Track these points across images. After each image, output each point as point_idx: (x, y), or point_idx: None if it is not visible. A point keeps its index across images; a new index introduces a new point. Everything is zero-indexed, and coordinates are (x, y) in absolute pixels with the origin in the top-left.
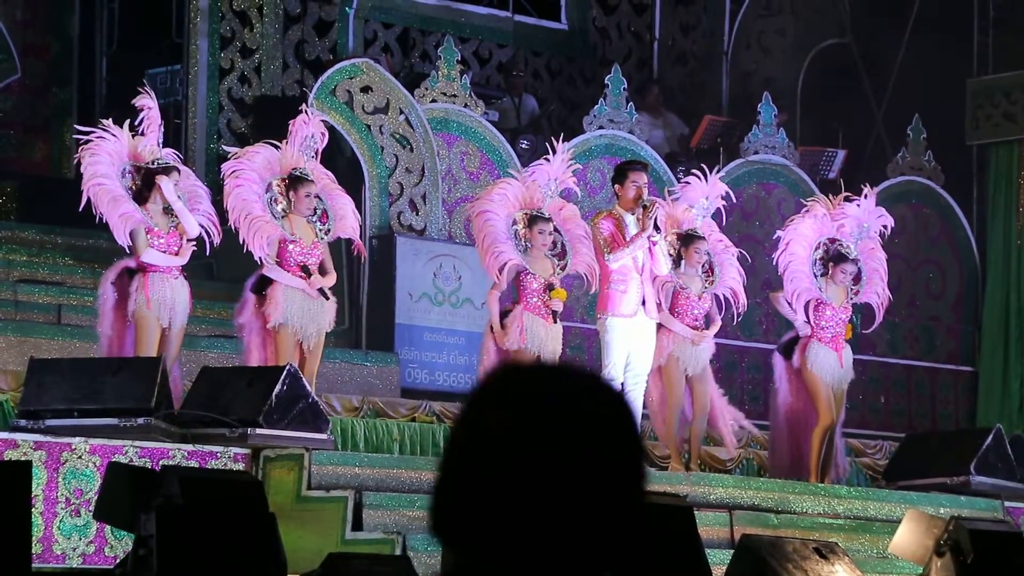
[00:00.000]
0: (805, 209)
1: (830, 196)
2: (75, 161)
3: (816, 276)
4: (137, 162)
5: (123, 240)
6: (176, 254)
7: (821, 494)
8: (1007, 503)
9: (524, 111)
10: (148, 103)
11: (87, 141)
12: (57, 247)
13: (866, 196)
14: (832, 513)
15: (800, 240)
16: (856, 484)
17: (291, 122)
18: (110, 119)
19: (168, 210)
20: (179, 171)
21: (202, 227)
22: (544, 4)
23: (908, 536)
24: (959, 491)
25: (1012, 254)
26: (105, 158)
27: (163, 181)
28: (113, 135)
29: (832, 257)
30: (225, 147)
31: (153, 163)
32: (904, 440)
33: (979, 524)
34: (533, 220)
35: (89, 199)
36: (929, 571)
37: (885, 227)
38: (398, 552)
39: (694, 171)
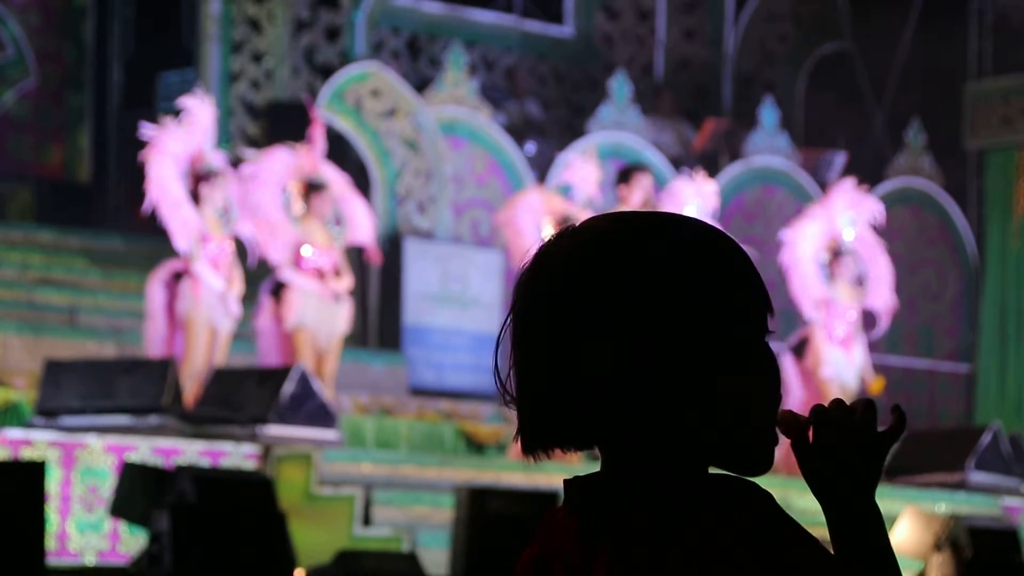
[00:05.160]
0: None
1: None
2: (138, 161)
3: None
4: (194, 164)
5: (181, 246)
6: (223, 273)
7: None
8: (1005, 500)
9: (529, 115)
10: (193, 103)
11: (155, 137)
12: (72, 249)
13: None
14: None
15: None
16: None
17: (310, 128)
18: (175, 114)
19: (222, 213)
20: (225, 176)
21: (246, 239)
22: (549, 10)
23: (907, 533)
24: (957, 488)
25: (1009, 256)
26: (170, 158)
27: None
28: (178, 132)
29: (833, 252)
30: (244, 149)
31: (202, 167)
32: (903, 438)
33: (977, 521)
34: None
35: (151, 200)
36: (928, 568)
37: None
38: (407, 548)
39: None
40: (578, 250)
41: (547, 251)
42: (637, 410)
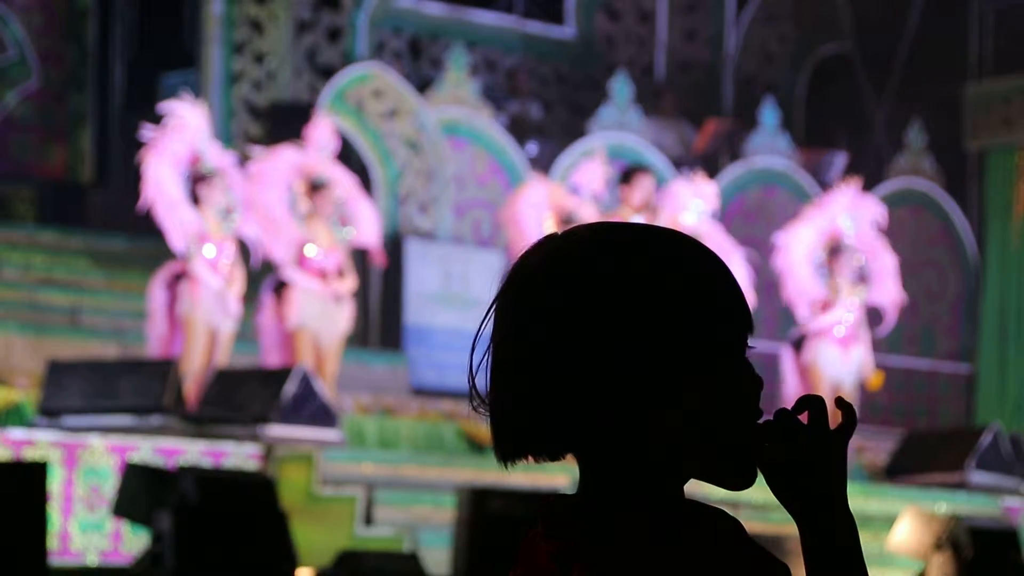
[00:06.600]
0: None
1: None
2: (136, 162)
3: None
4: (194, 165)
5: (177, 247)
6: (223, 273)
7: None
8: (1005, 500)
9: (530, 116)
10: (180, 106)
11: (155, 138)
12: (74, 250)
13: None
14: None
15: (798, 243)
16: (856, 481)
17: (309, 127)
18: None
19: (224, 214)
20: (224, 176)
21: (249, 239)
22: (550, 11)
23: (907, 533)
24: (958, 488)
25: (1010, 256)
26: (168, 159)
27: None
28: (174, 134)
29: (831, 251)
30: (248, 147)
31: (199, 168)
32: (904, 438)
33: (978, 521)
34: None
35: (147, 201)
36: (928, 568)
37: (878, 220)
38: (408, 548)
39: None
40: (558, 260)
41: (526, 260)
42: (618, 420)
